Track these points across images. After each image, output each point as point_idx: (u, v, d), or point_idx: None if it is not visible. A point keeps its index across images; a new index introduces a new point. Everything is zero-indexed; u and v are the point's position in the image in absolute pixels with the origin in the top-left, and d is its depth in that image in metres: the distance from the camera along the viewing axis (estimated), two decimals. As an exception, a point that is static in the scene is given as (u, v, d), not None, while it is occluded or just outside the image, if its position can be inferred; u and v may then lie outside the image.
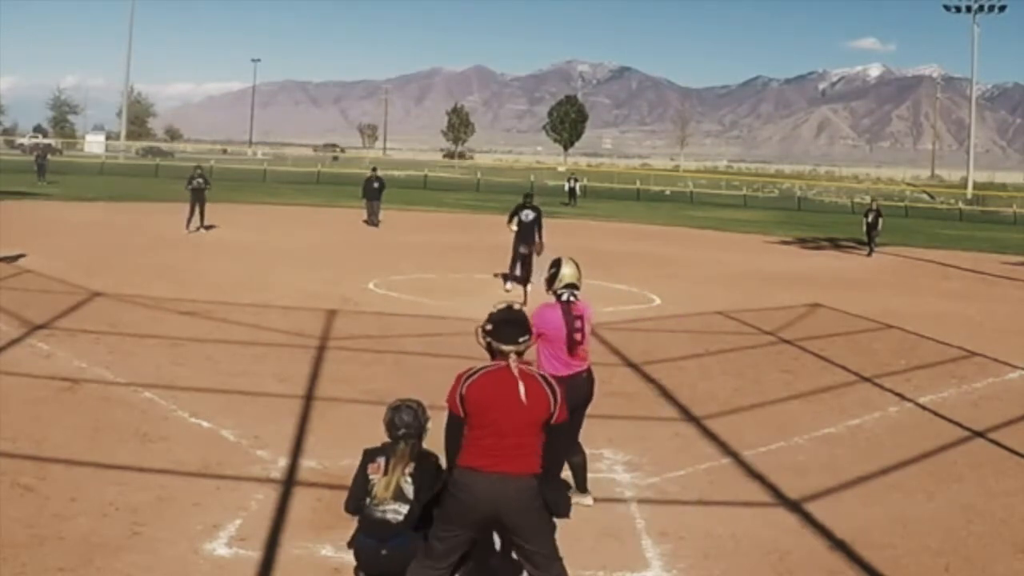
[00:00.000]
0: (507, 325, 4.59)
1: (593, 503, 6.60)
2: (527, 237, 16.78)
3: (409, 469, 5.02)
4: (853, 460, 7.85)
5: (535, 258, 16.33)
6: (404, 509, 4.98)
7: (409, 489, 4.99)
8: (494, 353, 4.58)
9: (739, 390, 10.23)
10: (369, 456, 5.13)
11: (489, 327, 4.61)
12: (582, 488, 6.61)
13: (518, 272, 16.80)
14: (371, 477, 5.03)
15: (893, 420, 9.30)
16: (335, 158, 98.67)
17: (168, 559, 5.48)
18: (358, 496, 5.08)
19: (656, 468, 7.46)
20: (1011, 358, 12.40)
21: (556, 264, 6.63)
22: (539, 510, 4.42)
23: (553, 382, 4.57)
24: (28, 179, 40.49)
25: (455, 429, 4.51)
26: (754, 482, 7.27)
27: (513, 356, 4.51)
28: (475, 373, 4.50)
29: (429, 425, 5.17)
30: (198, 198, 24.32)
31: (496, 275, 17.86)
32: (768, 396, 9.98)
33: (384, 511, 4.97)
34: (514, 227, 16.97)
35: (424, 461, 5.07)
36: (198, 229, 24.00)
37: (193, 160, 72.44)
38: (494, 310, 4.70)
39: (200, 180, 24.47)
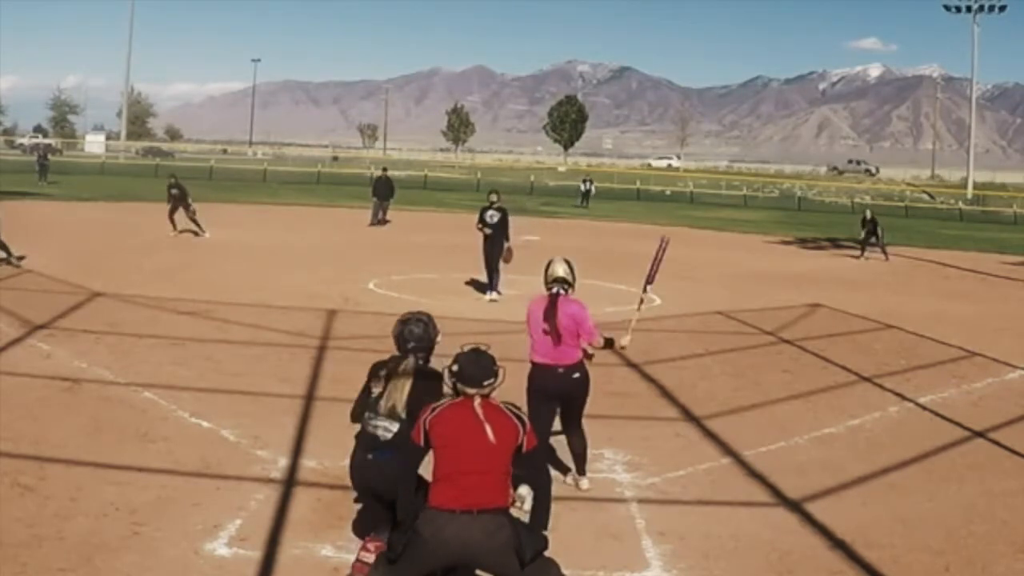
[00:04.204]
0: (473, 368, 4.51)
1: (589, 486, 6.92)
2: (493, 240, 15.78)
3: (407, 387, 5.15)
4: (853, 460, 7.85)
5: (502, 265, 15.70)
6: (394, 427, 5.12)
7: (402, 408, 5.12)
8: (459, 394, 4.52)
9: (739, 390, 10.23)
10: (375, 370, 5.33)
11: (455, 368, 4.53)
12: (581, 472, 7.00)
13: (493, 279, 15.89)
14: (373, 391, 5.24)
15: (893, 420, 9.30)
16: (335, 158, 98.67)
17: (168, 559, 5.48)
18: (360, 409, 5.32)
19: (656, 468, 7.47)
20: (1011, 358, 12.40)
21: (549, 262, 7.03)
22: (509, 550, 4.29)
23: (521, 412, 4.54)
24: (28, 179, 40.48)
25: (412, 460, 4.47)
26: (754, 482, 7.27)
27: (477, 398, 4.46)
28: (438, 408, 4.47)
29: (439, 339, 5.35)
30: (177, 203, 23.91)
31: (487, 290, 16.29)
32: (768, 396, 9.97)
33: (376, 426, 5.17)
34: (487, 230, 15.82)
35: (426, 379, 5.18)
36: (195, 231, 23.87)
37: (193, 160, 72.78)
38: (461, 351, 4.61)
39: (176, 190, 23.92)
